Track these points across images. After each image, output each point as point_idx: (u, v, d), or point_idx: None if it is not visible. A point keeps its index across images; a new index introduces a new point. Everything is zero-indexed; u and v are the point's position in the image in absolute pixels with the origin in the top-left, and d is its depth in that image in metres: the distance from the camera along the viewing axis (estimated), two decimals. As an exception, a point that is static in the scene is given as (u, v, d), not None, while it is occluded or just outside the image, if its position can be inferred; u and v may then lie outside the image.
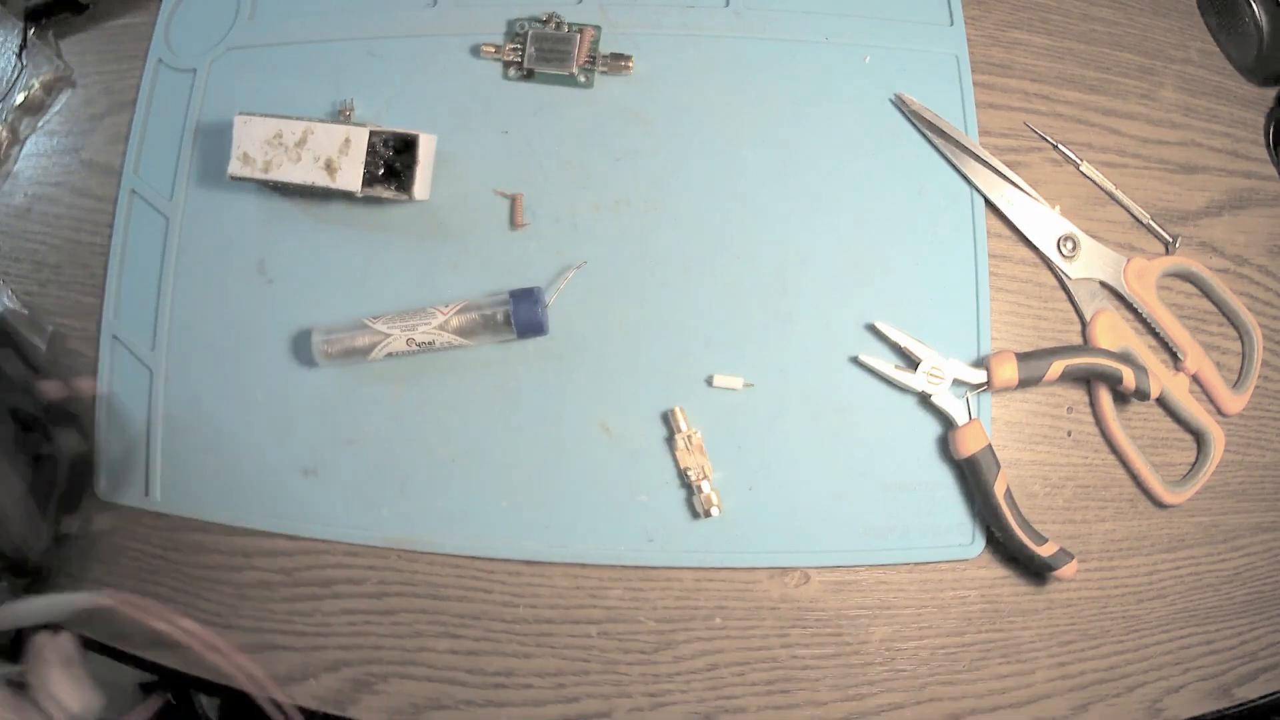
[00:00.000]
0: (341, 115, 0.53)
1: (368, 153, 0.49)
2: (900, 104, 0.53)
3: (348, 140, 0.49)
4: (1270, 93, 0.56)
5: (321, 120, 0.50)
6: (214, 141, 0.54)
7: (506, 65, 0.53)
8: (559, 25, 0.53)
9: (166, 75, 0.56)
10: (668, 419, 0.50)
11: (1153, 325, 0.52)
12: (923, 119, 0.52)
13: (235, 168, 0.50)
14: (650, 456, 0.51)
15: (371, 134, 0.49)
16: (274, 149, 0.49)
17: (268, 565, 0.52)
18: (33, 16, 0.56)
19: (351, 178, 0.49)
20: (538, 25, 0.53)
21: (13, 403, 0.50)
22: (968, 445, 0.49)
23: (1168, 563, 0.52)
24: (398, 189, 0.49)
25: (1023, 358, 0.49)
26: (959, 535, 0.51)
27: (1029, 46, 0.55)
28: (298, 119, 0.49)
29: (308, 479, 0.52)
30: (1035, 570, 0.50)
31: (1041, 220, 0.52)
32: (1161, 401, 0.52)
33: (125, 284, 0.54)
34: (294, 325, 0.52)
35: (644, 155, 0.52)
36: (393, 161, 0.49)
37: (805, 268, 0.52)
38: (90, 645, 0.54)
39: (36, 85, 0.56)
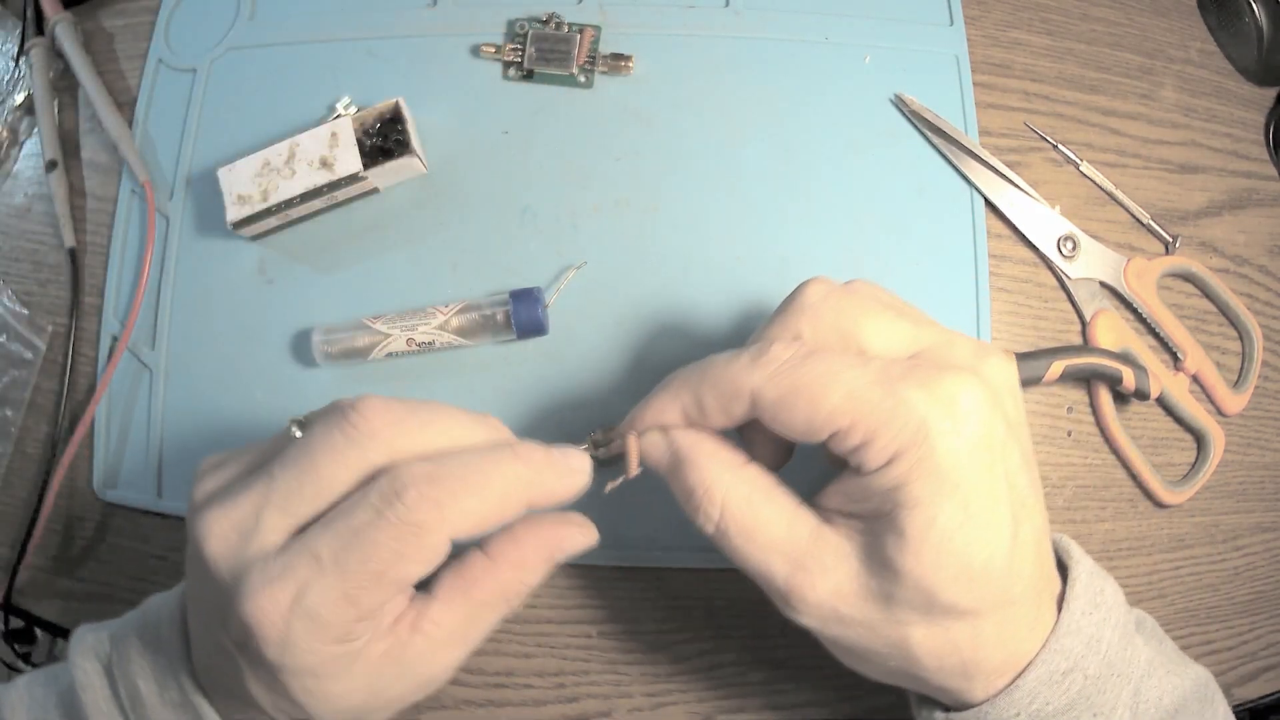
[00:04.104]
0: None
1: (357, 138, 0.49)
2: (900, 104, 0.53)
3: (334, 134, 0.49)
4: (1270, 93, 0.56)
5: (302, 131, 0.50)
6: (214, 141, 0.54)
7: (506, 65, 0.53)
8: (559, 25, 0.53)
9: (166, 75, 0.56)
10: (668, 419, 0.50)
11: (1153, 325, 0.52)
12: (923, 119, 0.52)
13: (234, 213, 0.49)
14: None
15: (353, 120, 0.49)
16: (266, 176, 0.49)
17: (268, 565, 0.52)
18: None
19: (351, 161, 0.49)
20: (538, 25, 0.53)
21: None
22: (968, 445, 0.49)
23: (1168, 563, 0.52)
24: (399, 156, 0.49)
25: (1023, 358, 0.49)
26: (959, 535, 0.51)
27: (1029, 46, 0.55)
28: (278, 141, 0.50)
29: (308, 479, 0.52)
30: (1035, 570, 0.50)
31: (1041, 220, 0.52)
32: (1161, 401, 0.52)
33: (125, 284, 0.54)
34: (294, 325, 0.52)
35: (644, 155, 0.52)
36: (383, 135, 0.50)
37: (805, 268, 0.51)
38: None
39: (36, 85, 0.56)
